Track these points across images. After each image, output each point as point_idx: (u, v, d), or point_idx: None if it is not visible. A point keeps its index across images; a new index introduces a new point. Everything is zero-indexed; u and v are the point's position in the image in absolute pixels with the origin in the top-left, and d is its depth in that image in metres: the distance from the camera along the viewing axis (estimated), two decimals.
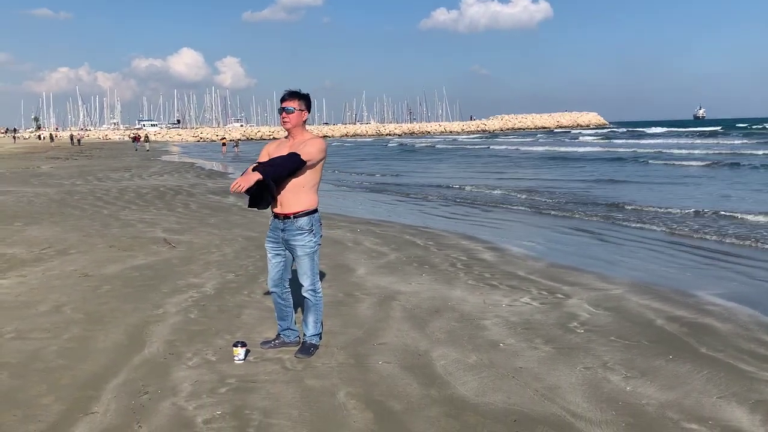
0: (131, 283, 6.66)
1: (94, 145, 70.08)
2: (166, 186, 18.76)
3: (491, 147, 53.42)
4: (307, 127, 4.51)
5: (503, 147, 52.65)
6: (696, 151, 35.42)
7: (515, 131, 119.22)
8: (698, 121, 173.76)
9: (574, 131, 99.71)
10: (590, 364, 4.38)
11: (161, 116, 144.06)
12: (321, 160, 4.37)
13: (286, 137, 4.50)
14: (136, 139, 60.93)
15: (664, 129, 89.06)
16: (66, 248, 8.60)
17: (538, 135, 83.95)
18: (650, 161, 29.81)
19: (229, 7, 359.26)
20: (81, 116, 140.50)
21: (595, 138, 67.28)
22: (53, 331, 5.05)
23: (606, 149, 42.99)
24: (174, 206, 13.67)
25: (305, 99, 4.39)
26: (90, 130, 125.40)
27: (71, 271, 7.19)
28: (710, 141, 49.31)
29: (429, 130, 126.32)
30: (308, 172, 4.32)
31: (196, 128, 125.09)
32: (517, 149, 48.40)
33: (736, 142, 46.74)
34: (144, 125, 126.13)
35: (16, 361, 4.42)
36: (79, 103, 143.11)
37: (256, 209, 4.43)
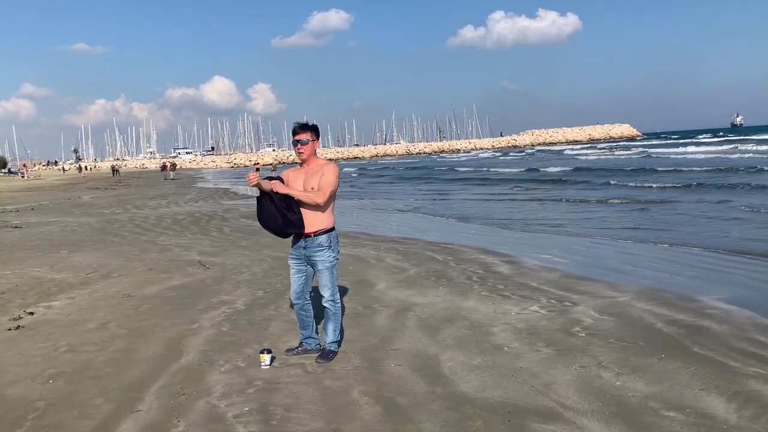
0: (169, 301, 7.24)
1: (132, 174, 72.29)
2: (201, 212, 19.52)
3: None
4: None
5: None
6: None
7: (547, 145, 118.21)
8: (736, 128, 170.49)
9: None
10: (586, 363, 4.75)
11: (196, 144, 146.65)
12: (338, 186, 4.88)
13: (300, 165, 5.01)
14: (164, 167, 57.42)
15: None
16: (109, 272, 9.25)
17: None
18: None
19: (258, 34, 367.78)
20: (118, 146, 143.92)
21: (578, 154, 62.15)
22: (101, 345, 5.62)
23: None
24: (208, 230, 14.34)
25: (314, 130, 4.92)
26: (127, 159, 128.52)
27: (114, 293, 7.80)
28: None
29: (459, 148, 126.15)
30: None
31: (230, 154, 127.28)
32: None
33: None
34: (179, 153, 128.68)
35: (70, 370, 4.99)
36: (116, 133, 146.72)
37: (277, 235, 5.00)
